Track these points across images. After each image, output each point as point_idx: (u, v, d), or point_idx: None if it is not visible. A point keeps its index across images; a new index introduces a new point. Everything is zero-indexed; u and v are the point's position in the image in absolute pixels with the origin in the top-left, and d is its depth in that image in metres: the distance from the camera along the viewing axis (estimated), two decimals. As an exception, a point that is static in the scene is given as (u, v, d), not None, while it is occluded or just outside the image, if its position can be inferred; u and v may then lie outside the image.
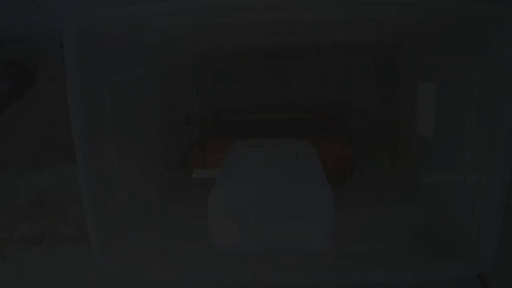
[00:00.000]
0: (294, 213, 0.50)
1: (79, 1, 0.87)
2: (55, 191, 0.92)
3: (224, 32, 0.77)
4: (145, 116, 0.77)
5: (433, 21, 0.65)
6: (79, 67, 0.54)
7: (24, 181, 0.93)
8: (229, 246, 0.52)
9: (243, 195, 0.50)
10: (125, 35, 0.67)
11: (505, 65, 0.50)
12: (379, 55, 0.88)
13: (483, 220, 0.54)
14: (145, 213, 0.72)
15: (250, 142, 0.71)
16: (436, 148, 0.71)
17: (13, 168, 0.95)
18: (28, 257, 0.87)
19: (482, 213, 0.55)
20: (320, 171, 0.58)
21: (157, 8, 0.52)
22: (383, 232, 0.67)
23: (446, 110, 0.66)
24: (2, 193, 0.93)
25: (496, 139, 0.51)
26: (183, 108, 0.92)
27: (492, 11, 0.50)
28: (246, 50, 0.89)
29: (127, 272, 0.60)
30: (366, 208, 0.73)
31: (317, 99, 0.90)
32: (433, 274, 0.54)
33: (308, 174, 0.56)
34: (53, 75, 0.99)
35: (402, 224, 0.68)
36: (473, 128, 0.57)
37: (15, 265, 0.86)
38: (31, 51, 1.00)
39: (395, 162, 0.89)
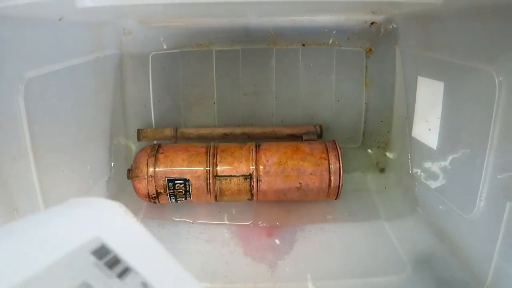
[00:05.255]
0: None
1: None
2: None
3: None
4: (78, 127, 0.61)
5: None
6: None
7: None
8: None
9: None
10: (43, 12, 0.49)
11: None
12: (371, 41, 0.74)
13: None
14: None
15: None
16: (439, 160, 0.59)
17: None
18: None
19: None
20: None
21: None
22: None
23: (459, 117, 0.54)
24: None
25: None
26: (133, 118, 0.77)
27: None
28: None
29: None
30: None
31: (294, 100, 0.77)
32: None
33: None
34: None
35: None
36: (495, 151, 0.45)
37: None
38: None
39: (383, 167, 0.77)
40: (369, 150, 0.79)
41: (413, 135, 0.67)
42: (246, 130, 0.75)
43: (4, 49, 0.43)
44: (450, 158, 0.56)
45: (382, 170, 0.78)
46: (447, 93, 0.56)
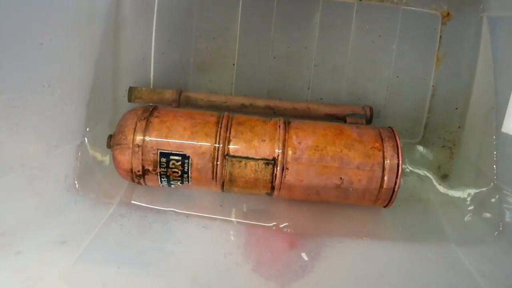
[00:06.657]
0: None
1: None
2: None
3: None
4: (44, 66, 0.43)
5: None
6: None
7: None
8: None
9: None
10: None
11: None
12: (451, 2, 0.57)
13: None
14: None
15: None
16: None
17: None
18: None
19: None
20: None
21: None
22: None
23: None
24: None
25: None
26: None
27: None
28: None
29: None
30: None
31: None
32: None
33: None
34: None
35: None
36: None
37: None
38: None
39: (447, 173, 0.59)
40: (431, 149, 0.60)
41: (503, 130, 0.49)
42: (272, 103, 0.57)
43: None
44: None
45: (444, 177, 0.59)
46: None
